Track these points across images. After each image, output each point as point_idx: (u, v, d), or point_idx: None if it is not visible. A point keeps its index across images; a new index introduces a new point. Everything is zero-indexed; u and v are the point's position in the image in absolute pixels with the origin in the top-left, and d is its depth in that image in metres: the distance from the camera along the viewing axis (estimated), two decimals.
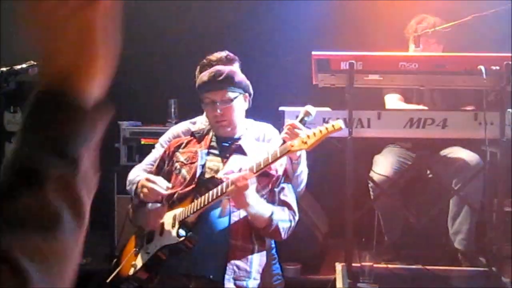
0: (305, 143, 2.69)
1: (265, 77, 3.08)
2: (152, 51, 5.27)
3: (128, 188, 3.18)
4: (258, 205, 2.77)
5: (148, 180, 2.93)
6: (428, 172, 4.07)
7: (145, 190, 2.93)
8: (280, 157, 2.73)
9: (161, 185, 2.90)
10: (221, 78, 2.94)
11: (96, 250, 4.61)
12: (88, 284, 4.11)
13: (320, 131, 2.69)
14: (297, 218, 2.91)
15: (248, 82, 3.05)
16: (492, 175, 3.44)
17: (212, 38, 4.97)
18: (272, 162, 2.74)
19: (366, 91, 3.67)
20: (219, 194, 2.73)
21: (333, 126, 2.70)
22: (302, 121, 2.87)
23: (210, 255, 2.78)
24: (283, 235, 2.89)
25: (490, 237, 3.39)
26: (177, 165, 3.01)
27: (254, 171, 2.73)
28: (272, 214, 2.79)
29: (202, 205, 2.76)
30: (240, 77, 3.02)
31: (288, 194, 2.91)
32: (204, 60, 3.51)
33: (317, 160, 3.27)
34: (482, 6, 3.71)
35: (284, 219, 2.84)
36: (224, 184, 2.74)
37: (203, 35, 5.06)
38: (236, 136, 3.03)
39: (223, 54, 3.50)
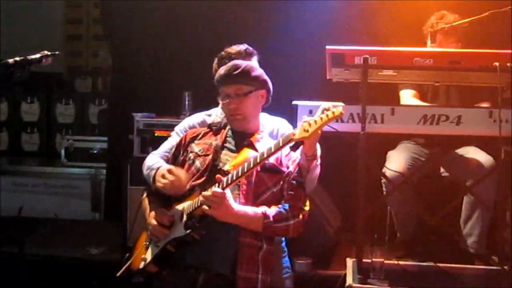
0: (307, 131, 2.68)
1: (279, 71, 3.07)
2: (167, 44, 5.28)
3: (145, 173, 3.16)
4: (240, 218, 2.76)
5: (171, 172, 2.94)
6: (442, 170, 4.04)
7: (165, 181, 2.93)
8: (283, 146, 2.73)
9: (184, 181, 2.91)
10: (236, 72, 2.95)
11: (109, 240, 4.66)
12: (101, 274, 4.15)
13: (321, 118, 2.68)
14: (304, 213, 2.88)
15: (266, 78, 3.04)
16: (505, 173, 3.41)
17: (226, 32, 4.98)
18: (275, 152, 2.74)
19: (380, 86, 3.65)
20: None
21: (333, 113, 2.68)
22: None
23: (219, 248, 2.78)
24: (287, 234, 2.89)
25: (503, 236, 3.36)
26: (191, 155, 3.02)
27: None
28: (265, 219, 2.79)
29: (200, 203, 2.77)
30: (257, 72, 3.01)
31: (296, 190, 2.89)
32: (223, 53, 3.51)
33: (330, 155, 3.25)
34: (500, 3, 3.66)
35: (283, 219, 2.82)
36: (224, 180, 2.75)
37: (218, 29, 5.06)
38: (251, 131, 3.03)
39: (242, 47, 3.50)
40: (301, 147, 2.80)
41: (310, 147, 2.84)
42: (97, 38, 7.85)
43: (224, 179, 2.75)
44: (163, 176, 2.94)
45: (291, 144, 2.75)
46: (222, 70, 3.01)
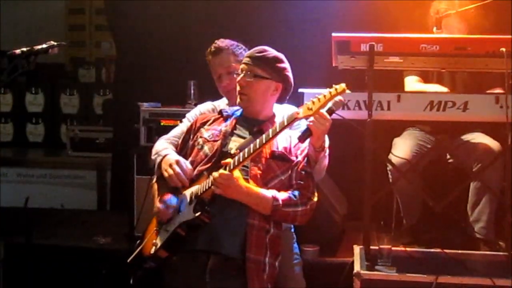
0: (310, 109, 2.72)
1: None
2: (172, 33, 5.27)
3: (153, 157, 3.19)
4: (250, 197, 2.79)
5: (177, 163, 2.96)
6: (448, 156, 4.04)
7: (170, 171, 2.95)
8: (288, 125, 2.76)
9: (187, 174, 2.93)
10: (259, 54, 3.00)
11: (116, 230, 4.67)
12: (108, 263, 4.16)
13: (324, 96, 2.71)
14: (312, 203, 2.90)
15: (287, 75, 3.05)
16: None
17: (231, 20, 4.97)
18: (280, 131, 2.77)
19: (386, 73, 3.64)
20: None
21: (336, 89, 2.72)
22: (329, 110, 2.79)
23: (228, 232, 2.80)
24: (294, 220, 2.91)
25: (510, 221, 3.36)
26: (200, 140, 3.04)
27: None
28: (274, 201, 2.80)
29: (210, 184, 2.79)
30: (279, 65, 3.03)
31: (305, 180, 2.90)
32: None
33: (337, 143, 3.25)
34: None
35: (291, 205, 2.84)
36: (231, 162, 2.77)
37: (222, 17, 5.05)
38: (262, 119, 3.04)
39: (225, 42, 3.50)
40: (309, 139, 2.81)
41: (318, 138, 2.84)
42: (100, 28, 7.82)
43: (231, 161, 2.76)
44: (171, 166, 2.96)
45: (299, 134, 2.77)
46: (252, 50, 3.06)
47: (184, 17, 5.25)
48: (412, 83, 4.06)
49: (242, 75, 2.99)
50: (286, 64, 3.06)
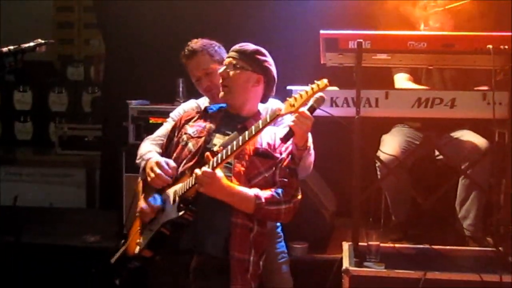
0: (293, 105, 2.71)
1: (273, 56, 3.07)
2: (161, 31, 5.26)
3: (137, 161, 3.19)
4: (232, 196, 2.78)
5: (158, 164, 2.95)
6: (437, 153, 4.06)
7: (152, 175, 2.94)
8: (270, 122, 2.74)
9: (169, 174, 2.92)
10: (240, 48, 3.01)
11: (105, 228, 4.67)
12: (97, 262, 4.15)
13: (306, 92, 2.70)
14: (296, 200, 2.88)
15: (268, 67, 3.04)
16: (500, 155, 3.43)
17: (219, 18, 4.97)
18: (262, 128, 2.74)
19: (375, 70, 3.65)
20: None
21: (318, 85, 2.70)
22: (311, 108, 2.75)
23: (212, 232, 2.80)
24: (278, 218, 2.92)
25: (497, 217, 3.38)
26: (185, 137, 3.03)
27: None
28: (257, 200, 2.79)
29: (194, 182, 2.78)
30: (260, 57, 3.02)
31: (289, 177, 2.89)
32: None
33: (325, 140, 3.26)
34: None
35: (274, 203, 2.83)
36: (214, 159, 2.76)
37: (210, 15, 5.05)
38: (245, 115, 3.03)
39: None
40: (291, 139, 2.81)
41: (301, 137, 2.82)
42: (88, 26, 7.79)
43: (214, 159, 2.75)
44: (152, 169, 2.95)
45: (281, 135, 2.78)
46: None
47: (173, 15, 5.24)
48: (401, 80, 4.08)
49: (224, 67, 3.00)
50: (267, 58, 3.05)
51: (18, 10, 7.50)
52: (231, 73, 2.97)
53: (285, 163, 2.89)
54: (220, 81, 3.01)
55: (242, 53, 2.99)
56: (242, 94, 3.01)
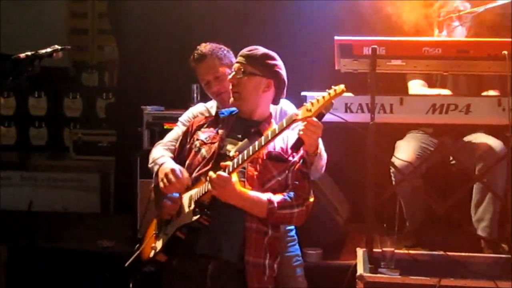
0: (310, 110, 2.70)
1: (288, 62, 3.07)
2: (175, 36, 5.29)
3: (150, 166, 3.20)
4: (245, 201, 2.79)
5: (173, 172, 2.94)
6: (451, 158, 4.05)
7: (165, 181, 2.94)
8: (287, 127, 2.74)
9: (183, 182, 2.92)
10: (249, 52, 2.99)
11: (120, 233, 4.68)
12: (111, 266, 4.17)
13: (323, 97, 2.69)
14: (309, 203, 2.88)
15: (278, 71, 3.02)
16: None
17: (233, 24, 4.98)
18: (279, 133, 2.75)
19: (389, 76, 3.65)
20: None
21: (335, 90, 2.69)
22: (319, 115, 2.74)
23: (227, 236, 2.81)
24: (291, 222, 2.93)
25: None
26: (197, 143, 3.03)
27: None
28: (269, 204, 2.80)
29: (209, 186, 2.79)
30: (270, 61, 3.00)
31: (301, 180, 2.90)
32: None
33: (339, 146, 3.26)
34: None
35: (287, 207, 2.83)
36: (230, 164, 2.76)
37: (226, 21, 5.06)
38: (257, 119, 3.03)
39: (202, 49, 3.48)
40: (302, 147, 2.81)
41: (310, 145, 2.83)
42: (102, 32, 7.85)
43: (230, 163, 2.76)
44: (166, 176, 2.96)
45: (291, 145, 2.78)
46: (244, 48, 3.06)
47: (187, 21, 5.26)
48: (416, 87, 4.07)
49: (233, 73, 3.00)
50: (277, 61, 3.04)
51: (32, 16, 7.56)
52: (240, 78, 2.96)
53: (297, 166, 2.90)
54: (230, 87, 3.02)
55: (251, 58, 2.98)
56: (253, 100, 3.01)
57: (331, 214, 4.17)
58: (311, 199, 2.91)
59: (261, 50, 3.02)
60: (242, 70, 2.97)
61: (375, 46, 3.29)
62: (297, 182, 2.88)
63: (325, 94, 2.71)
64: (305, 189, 2.89)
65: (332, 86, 2.72)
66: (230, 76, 3.01)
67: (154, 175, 3.12)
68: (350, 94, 3.37)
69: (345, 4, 4.77)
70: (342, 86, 2.70)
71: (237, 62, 3.02)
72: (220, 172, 2.74)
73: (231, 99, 3.01)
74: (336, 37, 3.38)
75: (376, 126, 3.28)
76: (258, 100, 3.01)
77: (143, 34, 5.40)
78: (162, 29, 5.35)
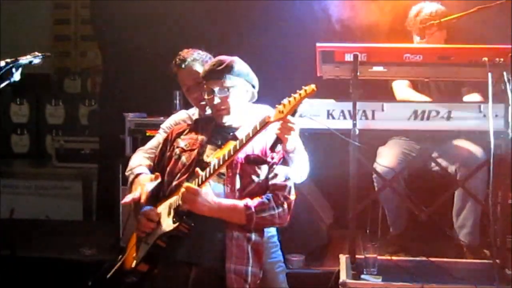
0: (282, 112, 2.72)
1: (269, 69, 3.09)
2: (158, 43, 5.27)
3: (127, 174, 3.21)
4: (221, 211, 2.79)
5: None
6: (433, 164, 4.06)
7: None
8: (260, 130, 2.75)
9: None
10: (220, 67, 2.98)
11: (102, 241, 4.65)
12: (94, 274, 4.14)
13: (294, 98, 2.72)
14: (290, 202, 2.89)
15: (250, 73, 3.06)
16: (496, 167, 3.43)
17: (217, 31, 4.98)
18: (253, 136, 2.75)
19: (371, 82, 3.66)
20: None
21: (305, 90, 2.72)
22: (294, 113, 2.76)
23: (208, 243, 2.81)
24: (273, 223, 2.92)
25: (494, 229, 3.38)
26: (177, 150, 3.04)
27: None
28: (247, 210, 2.80)
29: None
30: (240, 66, 3.03)
31: (280, 178, 2.90)
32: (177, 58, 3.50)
33: (322, 152, 3.27)
34: None
35: (266, 209, 2.84)
36: (203, 173, 2.76)
37: (208, 29, 5.06)
38: (236, 125, 3.04)
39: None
40: (280, 145, 2.81)
41: (289, 143, 2.82)
42: (85, 38, 7.80)
43: (203, 173, 2.76)
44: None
45: (271, 143, 2.78)
46: (207, 66, 3.05)
47: (170, 28, 5.25)
48: (402, 87, 4.09)
49: (212, 95, 2.98)
50: (244, 64, 3.06)
51: (15, 22, 7.50)
52: (223, 96, 2.96)
53: (276, 167, 2.91)
54: (215, 109, 3.01)
55: (224, 71, 2.97)
56: (239, 109, 3.04)
57: (314, 220, 4.17)
58: (292, 197, 2.92)
59: (227, 58, 3.03)
60: (221, 87, 2.95)
61: (357, 53, 3.31)
62: (276, 183, 2.90)
63: (296, 95, 2.72)
64: (285, 188, 2.90)
65: (303, 87, 2.73)
66: (214, 102, 2.98)
67: (128, 184, 3.12)
68: (332, 101, 3.38)
69: (327, 10, 4.79)
70: (312, 86, 2.72)
71: (209, 83, 2.99)
72: (189, 184, 2.73)
73: (221, 117, 3.01)
74: (318, 44, 3.39)
75: (358, 132, 3.29)
76: (242, 107, 3.05)
77: (126, 40, 5.38)
78: (145, 36, 5.33)
